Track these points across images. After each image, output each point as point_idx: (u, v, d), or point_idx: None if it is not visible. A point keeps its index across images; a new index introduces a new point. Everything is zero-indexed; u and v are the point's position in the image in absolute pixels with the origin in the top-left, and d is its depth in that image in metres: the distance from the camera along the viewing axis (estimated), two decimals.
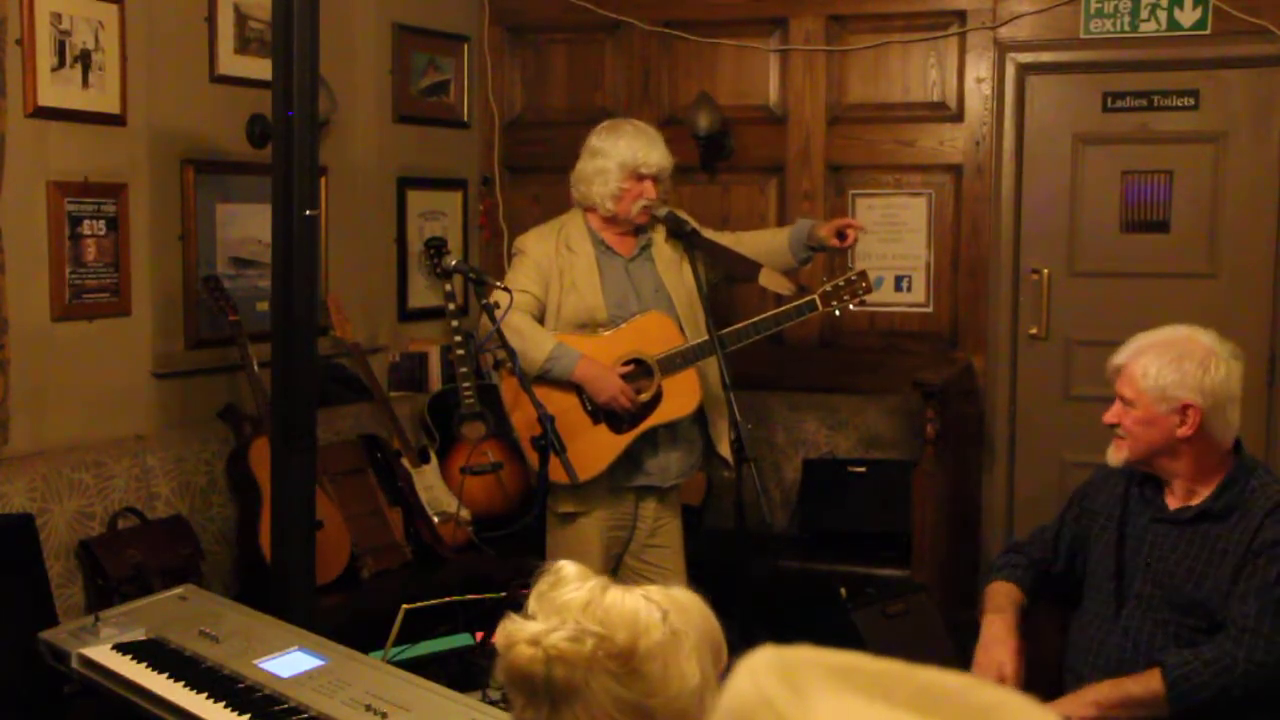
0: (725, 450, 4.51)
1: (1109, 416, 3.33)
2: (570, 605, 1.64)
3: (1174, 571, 3.27)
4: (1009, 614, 3.40)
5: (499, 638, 1.68)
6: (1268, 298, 5.38)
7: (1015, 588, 3.47)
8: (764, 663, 0.78)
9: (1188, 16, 5.25)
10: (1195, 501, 3.29)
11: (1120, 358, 3.30)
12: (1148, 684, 3.15)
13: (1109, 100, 5.50)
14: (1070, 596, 3.52)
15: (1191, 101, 5.40)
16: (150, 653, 3.07)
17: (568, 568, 1.72)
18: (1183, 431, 3.19)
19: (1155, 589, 3.28)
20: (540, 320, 4.31)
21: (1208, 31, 5.22)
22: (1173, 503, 3.32)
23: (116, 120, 4.24)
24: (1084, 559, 3.48)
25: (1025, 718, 0.77)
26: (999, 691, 0.78)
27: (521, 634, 1.64)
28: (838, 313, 4.52)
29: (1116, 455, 3.33)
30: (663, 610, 1.66)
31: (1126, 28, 5.32)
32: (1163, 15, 5.28)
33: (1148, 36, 5.30)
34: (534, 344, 4.18)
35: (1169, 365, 3.20)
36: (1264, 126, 5.35)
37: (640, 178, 4.32)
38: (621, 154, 4.32)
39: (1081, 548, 3.50)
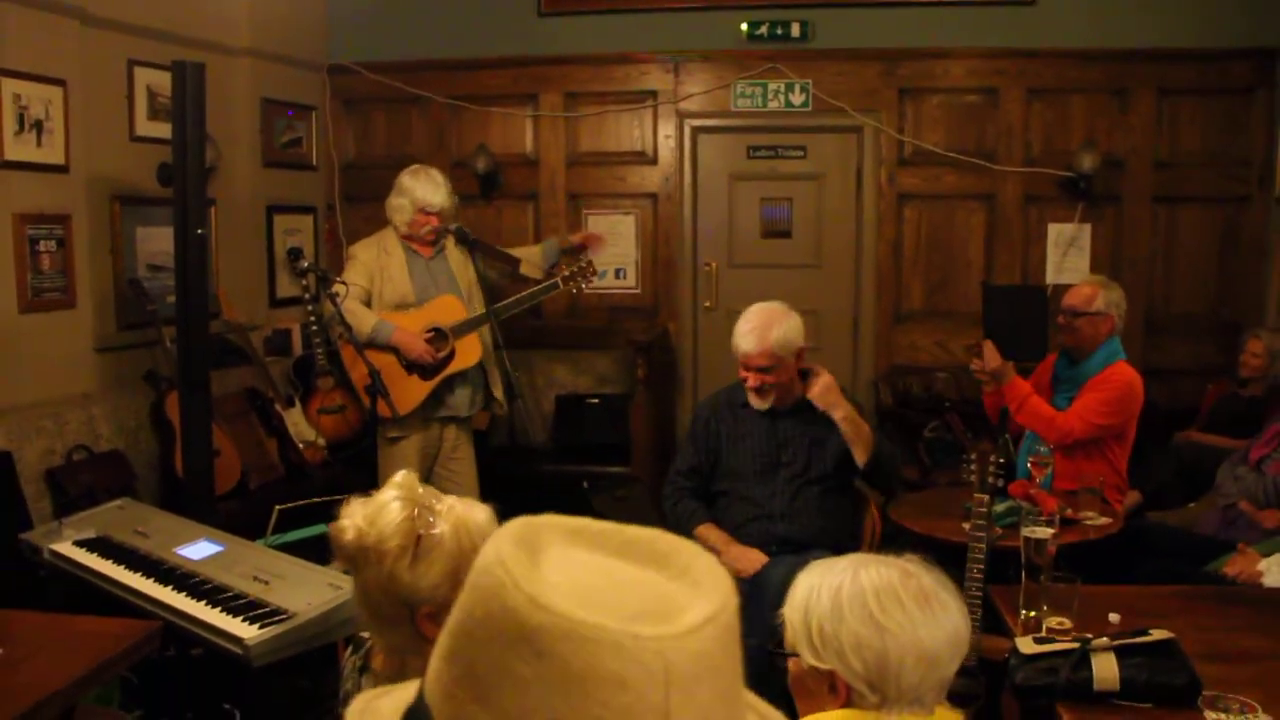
0: (497, 392, 4.58)
1: (754, 382, 3.40)
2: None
3: (809, 443, 3.49)
4: (734, 540, 3.44)
5: (332, 530, 1.71)
6: (851, 280, 5.81)
7: (711, 524, 3.52)
8: (506, 531, 0.72)
9: (797, 99, 5.63)
10: (794, 398, 3.50)
11: (750, 345, 3.38)
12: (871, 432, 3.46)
13: (751, 151, 5.82)
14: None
15: (802, 153, 5.79)
16: (100, 546, 3.12)
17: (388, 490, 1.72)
18: (799, 364, 3.48)
19: (797, 459, 3.49)
20: (368, 304, 4.36)
21: (810, 109, 5.63)
22: (780, 406, 3.50)
23: (62, 169, 4.22)
24: (718, 462, 3.58)
25: (695, 556, 0.73)
26: (676, 540, 0.75)
27: (347, 520, 1.69)
28: (575, 290, 4.63)
29: (765, 402, 3.47)
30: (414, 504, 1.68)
31: (760, 105, 5.67)
32: (782, 98, 5.64)
33: (774, 111, 5.67)
34: (363, 321, 4.26)
35: (785, 329, 3.40)
36: (846, 170, 5.76)
37: (427, 214, 4.41)
38: (415, 196, 4.40)
39: (716, 456, 3.58)
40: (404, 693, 0.83)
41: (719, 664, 0.69)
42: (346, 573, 1.73)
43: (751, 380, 3.44)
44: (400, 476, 1.73)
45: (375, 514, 1.66)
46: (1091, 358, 3.93)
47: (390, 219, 4.51)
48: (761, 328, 3.42)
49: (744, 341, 3.43)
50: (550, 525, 0.76)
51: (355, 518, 1.67)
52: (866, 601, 1.47)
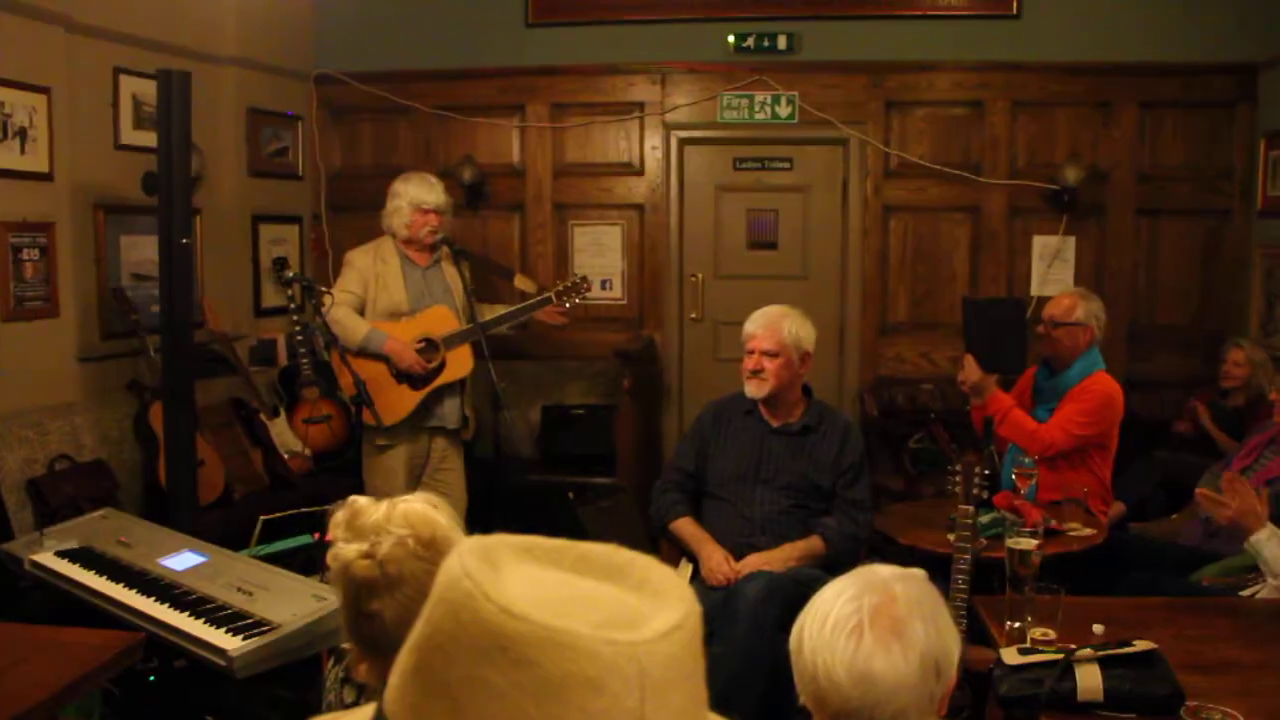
0: (468, 410, 4.62)
1: (753, 364, 3.45)
2: (378, 524, 1.62)
3: (790, 465, 3.51)
4: (708, 539, 3.47)
5: (332, 562, 1.63)
6: (837, 291, 5.80)
7: (690, 519, 3.56)
8: (468, 547, 0.72)
9: (784, 111, 5.62)
10: (794, 420, 3.55)
11: (757, 326, 3.48)
12: (813, 544, 3.42)
13: (737, 163, 5.82)
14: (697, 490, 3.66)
15: (788, 165, 5.78)
16: (82, 556, 3.11)
17: (358, 500, 1.68)
18: (803, 371, 3.53)
19: (777, 476, 3.50)
20: (361, 311, 4.40)
21: (796, 121, 5.62)
22: (775, 422, 3.55)
23: (46, 177, 4.19)
24: (707, 465, 3.62)
25: (651, 568, 0.74)
26: (629, 553, 0.76)
27: (352, 553, 1.60)
28: (567, 305, 4.66)
29: (760, 389, 3.48)
30: (434, 505, 1.69)
31: (747, 117, 5.67)
32: (769, 109, 5.63)
33: (760, 123, 5.66)
34: (355, 328, 4.31)
35: (798, 325, 3.48)
36: (832, 182, 5.76)
37: (423, 212, 4.45)
38: (410, 196, 4.47)
39: (705, 459, 3.63)
40: (359, 715, 0.82)
41: (689, 669, 0.71)
42: (370, 613, 1.59)
43: (751, 362, 3.47)
44: (351, 503, 1.68)
45: (402, 519, 1.62)
46: (1070, 368, 3.96)
47: (389, 226, 4.55)
48: (776, 316, 3.51)
49: (753, 323, 3.50)
50: (502, 543, 0.76)
51: (381, 535, 1.60)
52: (807, 608, 1.45)
